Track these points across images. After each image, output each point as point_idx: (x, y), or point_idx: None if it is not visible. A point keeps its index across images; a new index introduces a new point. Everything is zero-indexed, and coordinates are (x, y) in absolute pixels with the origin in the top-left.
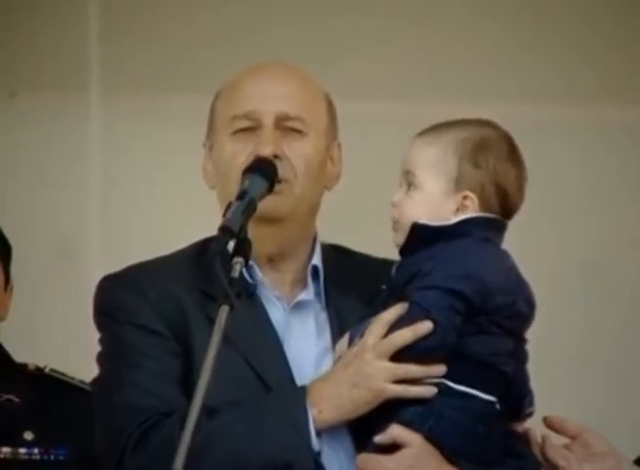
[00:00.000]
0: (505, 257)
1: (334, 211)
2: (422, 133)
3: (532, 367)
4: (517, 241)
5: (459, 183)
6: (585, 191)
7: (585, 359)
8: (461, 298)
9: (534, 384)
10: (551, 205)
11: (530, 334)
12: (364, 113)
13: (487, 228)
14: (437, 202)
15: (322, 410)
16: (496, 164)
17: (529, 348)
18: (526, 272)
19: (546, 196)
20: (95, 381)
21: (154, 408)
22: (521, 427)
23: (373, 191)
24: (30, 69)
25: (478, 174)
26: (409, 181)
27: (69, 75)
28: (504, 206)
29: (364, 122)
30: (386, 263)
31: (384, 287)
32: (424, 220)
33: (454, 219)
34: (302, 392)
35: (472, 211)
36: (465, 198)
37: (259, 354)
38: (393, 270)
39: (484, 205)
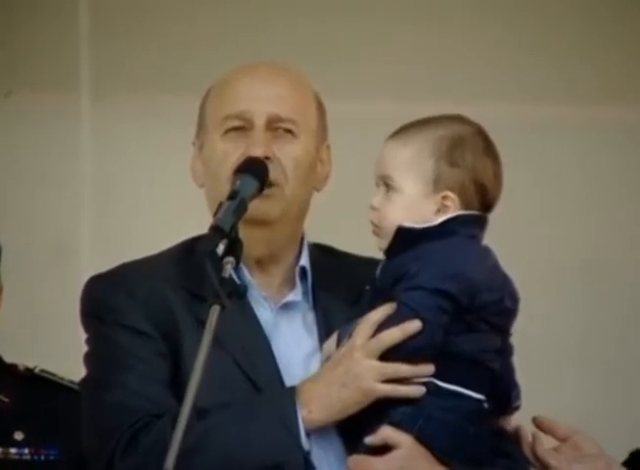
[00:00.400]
0: (489, 253)
1: (336, 210)
2: (394, 134)
3: (533, 367)
4: (517, 241)
5: (437, 184)
6: (585, 191)
7: (585, 359)
8: (448, 297)
9: (535, 384)
10: (551, 204)
11: (531, 334)
12: (364, 112)
13: (472, 225)
14: (418, 204)
15: (312, 410)
16: (474, 160)
17: (530, 348)
18: (526, 272)
19: (546, 196)
20: (84, 382)
21: (144, 410)
22: (510, 425)
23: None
24: (26, 69)
25: (456, 173)
26: (387, 184)
27: (64, 76)
28: (483, 201)
29: (364, 122)
30: (372, 262)
31: (367, 288)
32: (409, 223)
33: (438, 220)
34: (292, 392)
35: (453, 210)
36: (445, 198)
37: (248, 355)
38: (378, 271)
39: (465, 203)
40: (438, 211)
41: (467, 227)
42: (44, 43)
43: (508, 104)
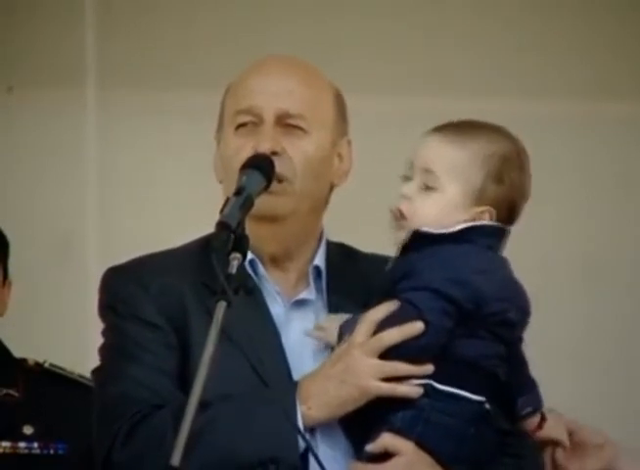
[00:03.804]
0: (503, 264)
1: (340, 206)
2: (443, 130)
3: (532, 366)
4: (516, 239)
5: (480, 197)
6: (585, 188)
7: (585, 359)
8: (452, 302)
9: None
10: (551, 202)
11: (531, 333)
12: (364, 110)
13: (490, 236)
14: (454, 209)
15: (310, 407)
16: (515, 180)
17: (530, 347)
18: (526, 271)
19: (545, 193)
20: (94, 372)
21: (146, 401)
22: (532, 428)
23: (376, 187)
24: (28, 65)
25: (498, 190)
26: (427, 179)
27: (67, 71)
28: (511, 214)
29: (364, 120)
30: (388, 260)
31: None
32: (426, 229)
33: (457, 227)
34: (293, 388)
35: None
36: (482, 212)
37: (257, 349)
38: (388, 267)
39: (497, 216)
40: (469, 221)
41: (485, 237)
42: (49, 38)
43: (508, 101)
